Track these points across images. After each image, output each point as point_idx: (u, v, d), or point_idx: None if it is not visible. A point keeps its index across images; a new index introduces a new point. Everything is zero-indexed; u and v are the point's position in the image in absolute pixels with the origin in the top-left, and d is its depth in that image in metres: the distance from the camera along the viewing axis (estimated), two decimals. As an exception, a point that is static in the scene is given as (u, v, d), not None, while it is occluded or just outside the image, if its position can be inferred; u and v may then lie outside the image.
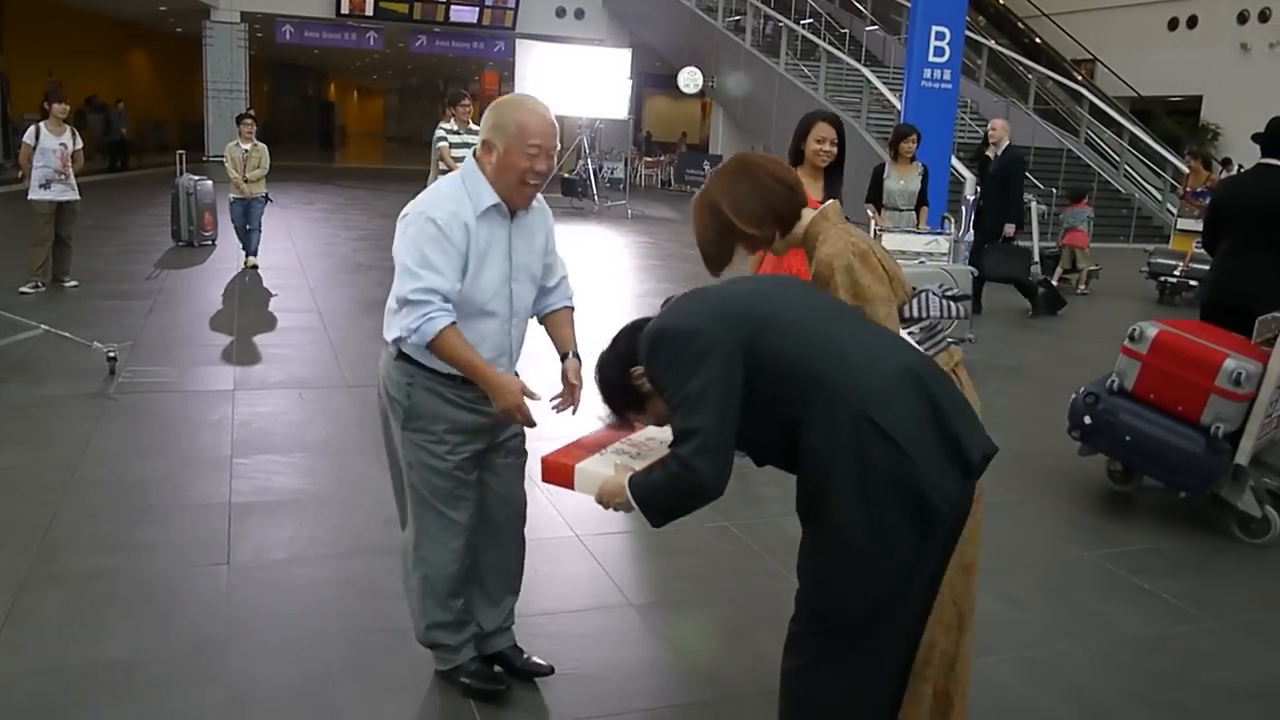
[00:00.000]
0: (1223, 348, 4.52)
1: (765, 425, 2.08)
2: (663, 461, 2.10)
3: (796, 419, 2.03)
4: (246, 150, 10.26)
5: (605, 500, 2.25)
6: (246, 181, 10.20)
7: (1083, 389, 4.85)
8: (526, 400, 2.67)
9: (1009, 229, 9.43)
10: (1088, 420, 4.76)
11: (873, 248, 2.53)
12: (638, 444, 2.37)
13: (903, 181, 7.73)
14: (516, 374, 2.86)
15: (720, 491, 2.05)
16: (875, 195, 7.81)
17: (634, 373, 2.29)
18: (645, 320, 2.27)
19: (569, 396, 2.92)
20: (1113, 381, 4.74)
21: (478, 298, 2.67)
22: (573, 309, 3.03)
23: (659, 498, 2.12)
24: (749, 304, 2.14)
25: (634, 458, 2.32)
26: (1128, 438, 4.64)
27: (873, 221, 7.56)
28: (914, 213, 7.74)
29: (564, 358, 2.94)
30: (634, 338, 2.26)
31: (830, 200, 2.69)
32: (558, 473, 2.36)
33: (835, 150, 4.15)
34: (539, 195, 2.83)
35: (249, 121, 10.57)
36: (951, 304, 2.73)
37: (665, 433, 2.29)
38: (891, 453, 1.98)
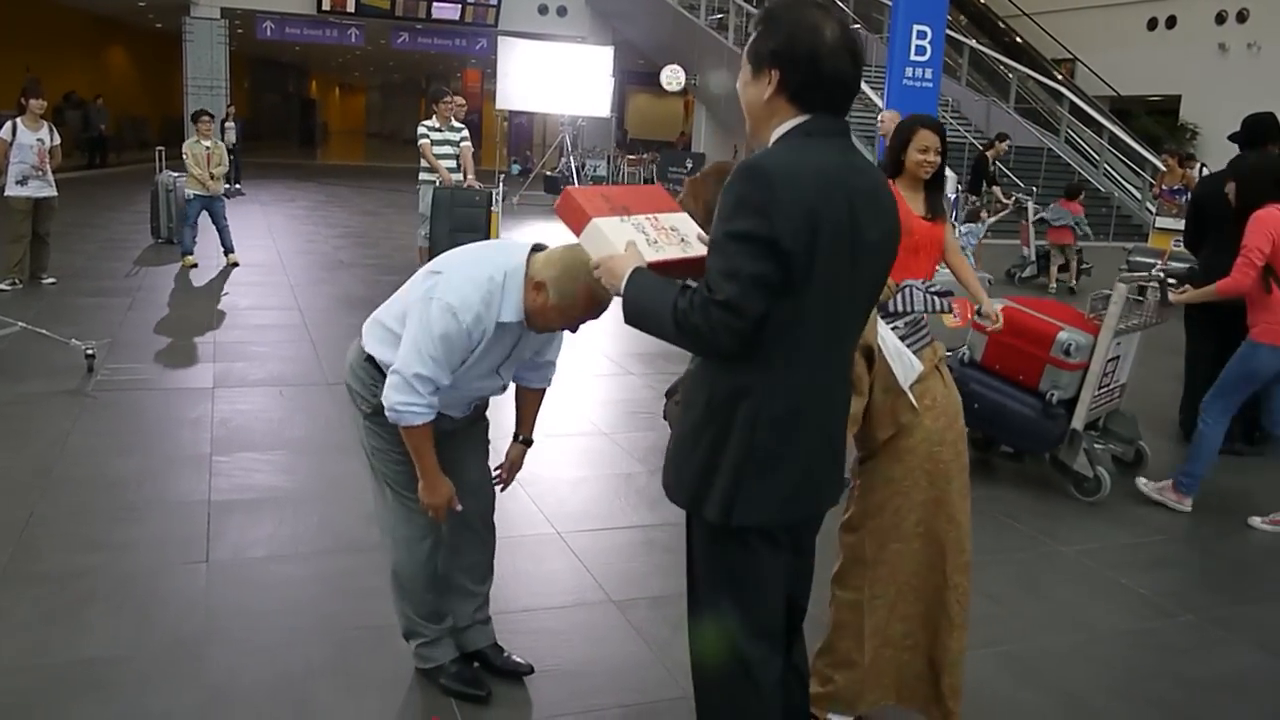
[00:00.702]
0: (1058, 321, 4.94)
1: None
2: (683, 288, 1.98)
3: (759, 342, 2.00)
4: (208, 147, 10.23)
5: (601, 272, 2.11)
6: (211, 179, 10.17)
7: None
8: (448, 506, 2.78)
9: None
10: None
11: None
12: (660, 228, 2.22)
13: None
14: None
15: (732, 354, 1.98)
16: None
17: (773, 73, 2.05)
18: (844, 43, 2.04)
19: (506, 477, 3.03)
20: (964, 354, 5.18)
21: (463, 381, 2.71)
22: (545, 390, 3.05)
23: (651, 319, 2.02)
24: (823, 239, 1.97)
25: (650, 243, 2.16)
26: (975, 405, 4.83)
27: None
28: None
29: (515, 438, 3.03)
30: (816, 51, 2.01)
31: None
32: (573, 214, 2.21)
33: (939, 160, 3.80)
34: None
35: (206, 119, 10.57)
36: (935, 299, 2.75)
37: (689, 227, 2.22)
38: (745, 448, 2.03)
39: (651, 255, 2.10)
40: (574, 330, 2.71)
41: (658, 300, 1.99)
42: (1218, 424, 4.78)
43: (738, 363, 2.01)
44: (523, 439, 3.04)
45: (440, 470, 2.74)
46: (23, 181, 8.82)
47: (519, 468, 3.05)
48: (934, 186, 3.96)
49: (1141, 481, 5.02)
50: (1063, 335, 4.86)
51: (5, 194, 8.90)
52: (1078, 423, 4.88)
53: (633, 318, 2.05)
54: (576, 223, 2.16)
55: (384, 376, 2.71)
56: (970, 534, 2.84)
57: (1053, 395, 4.86)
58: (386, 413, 2.64)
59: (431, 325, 2.56)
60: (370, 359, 2.79)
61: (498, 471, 3.03)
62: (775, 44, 2.03)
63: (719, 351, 1.97)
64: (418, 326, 2.59)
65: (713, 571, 2.20)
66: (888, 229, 2.14)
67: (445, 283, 2.61)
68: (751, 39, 2.10)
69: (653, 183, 25.82)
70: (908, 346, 2.74)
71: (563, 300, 2.55)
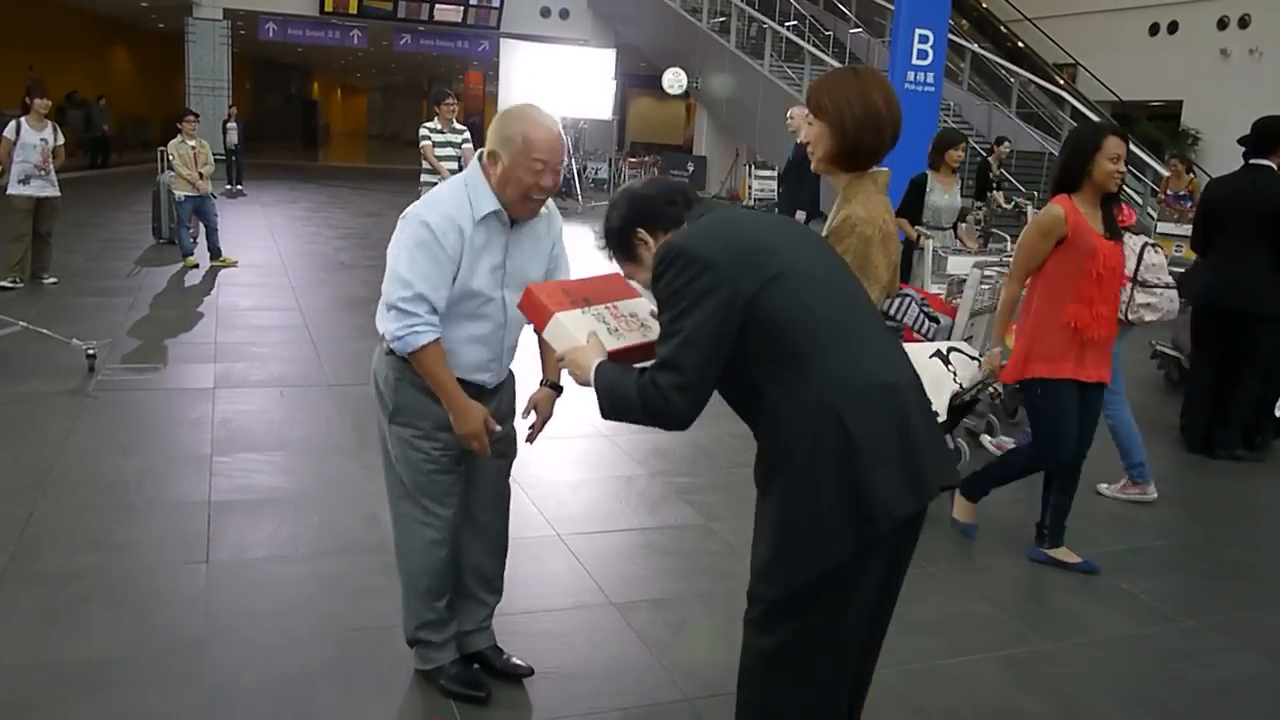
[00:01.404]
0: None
1: (737, 377, 2.07)
2: (641, 370, 2.08)
3: (768, 379, 2.03)
4: (193, 146, 10.25)
5: (567, 365, 2.20)
6: (200, 177, 10.18)
7: None
8: (486, 431, 2.73)
9: (800, 216, 9.40)
10: None
11: (894, 234, 2.52)
12: (620, 317, 2.28)
13: (948, 196, 6.74)
14: (511, 374, 2.94)
15: (686, 426, 2.06)
16: (914, 212, 6.70)
17: (638, 233, 2.26)
18: (671, 184, 2.31)
19: (537, 426, 2.94)
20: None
21: (468, 302, 2.67)
22: None
23: (623, 403, 2.09)
24: (771, 250, 2.08)
25: (610, 331, 2.24)
26: None
27: (928, 243, 6.61)
28: (953, 230, 6.89)
29: (541, 384, 2.93)
30: (653, 201, 2.27)
31: (885, 168, 2.61)
32: (535, 310, 2.27)
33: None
34: (550, 203, 2.82)
35: (192, 118, 10.60)
36: (926, 320, 2.74)
37: (645, 311, 2.28)
38: (847, 452, 1.97)
39: (613, 344, 2.20)
40: (555, 179, 2.65)
41: (624, 387, 2.08)
42: (1117, 410, 4.88)
43: (778, 397, 2.02)
44: (549, 383, 2.91)
45: (463, 393, 2.68)
46: (25, 180, 8.83)
47: (549, 414, 2.92)
48: (1109, 200, 3.72)
49: (1102, 487, 5.06)
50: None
51: (8, 193, 8.90)
52: (938, 404, 5.08)
53: (609, 410, 2.13)
54: (539, 319, 2.26)
55: (406, 364, 2.69)
56: None
57: None
58: (392, 345, 2.61)
59: (405, 242, 2.59)
60: (390, 351, 2.74)
61: (528, 424, 2.92)
62: (621, 221, 2.29)
63: (677, 417, 2.03)
64: (395, 251, 2.61)
65: (802, 652, 2.10)
66: (804, 230, 2.32)
67: (412, 208, 2.66)
68: (609, 244, 2.34)
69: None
70: None
71: (513, 150, 2.58)
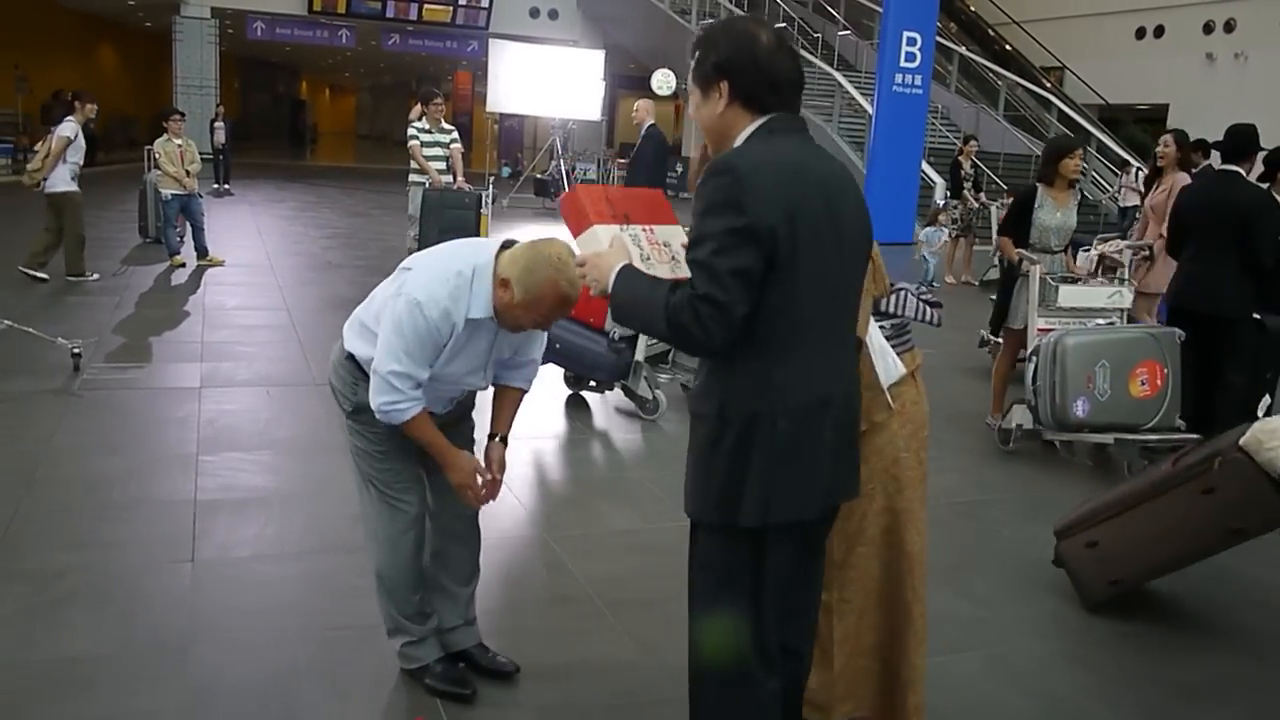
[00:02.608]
0: None
1: None
2: (672, 288, 2.01)
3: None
4: (180, 145, 10.24)
5: (587, 269, 2.17)
6: (187, 176, 10.17)
7: None
8: (479, 478, 2.80)
9: None
10: None
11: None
12: (655, 243, 2.28)
13: (1060, 214, 5.84)
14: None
15: (724, 350, 2.01)
16: (1018, 231, 5.86)
17: (722, 85, 2.12)
18: (786, 69, 2.12)
19: (490, 488, 2.89)
20: None
21: (444, 377, 2.71)
22: (525, 392, 2.99)
23: (643, 307, 2.05)
24: (808, 223, 2.03)
25: (643, 259, 2.21)
26: (558, 345, 5.66)
27: (1034, 269, 5.66)
28: (1064, 254, 6.05)
29: (491, 438, 2.94)
30: (762, 73, 2.10)
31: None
32: (575, 214, 2.28)
33: None
34: None
35: (177, 117, 10.64)
36: (927, 308, 2.75)
37: (679, 242, 2.24)
38: (763, 445, 2.06)
39: (641, 269, 2.14)
40: (545, 328, 2.72)
41: (648, 295, 2.04)
42: None
43: (746, 362, 2.04)
44: (500, 438, 2.94)
45: (454, 447, 2.75)
46: (75, 179, 9.26)
47: (504, 467, 2.92)
48: None
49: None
50: None
51: (61, 190, 9.12)
52: (639, 355, 5.69)
53: (622, 311, 2.11)
54: (577, 224, 2.22)
55: (364, 374, 2.73)
56: (927, 546, 2.83)
57: (614, 334, 5.63)
58: (377, 416, 2.66)
59: (401, 322, 2.58)
60: (350, 356, 2.80)
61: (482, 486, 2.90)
62: (717, 58, 2.13)
63: (708, 347, 2.00)
64: (389, 324, 2.61)
65: (731, 580, 2.19)
66: (863, 217, 2.22)
67: (413, 279, 2.63)
68: (693, 63, 2.19)
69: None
70: (891, 348, 2.75)
71: (528, 296, 2.56)
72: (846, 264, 2.16)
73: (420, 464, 2.90)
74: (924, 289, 2.81)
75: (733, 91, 2.11)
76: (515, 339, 2.82)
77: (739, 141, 2.13)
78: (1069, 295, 5.73)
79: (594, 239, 2.20)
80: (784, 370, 2.05)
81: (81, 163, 9.42)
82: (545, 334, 2.95)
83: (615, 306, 2.12)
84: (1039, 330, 5.59)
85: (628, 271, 2.09)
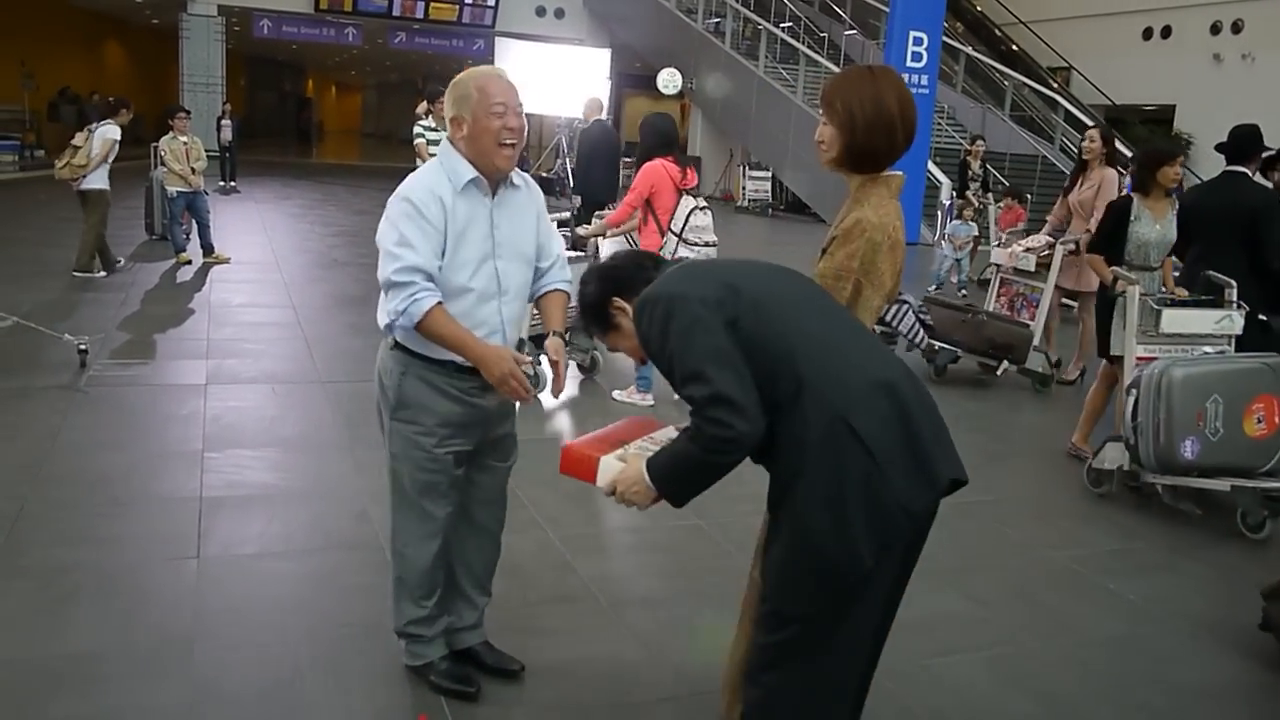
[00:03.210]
0: None
1: None
2: (684, 430, 2.07)
3: (777, 405, 2.02)
4: (185, 142, 10.26)
5: (621, 489, 2.19)
6: (193, 173, 10.20)
7: None
8: (520, 369, 2.64)
9: (577, 200, 9.34)
10: None
11: (902, 243, 2.49)
12: (658, 441, 2.31)
13: (1159, 227, 5.34)
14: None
15: (758, 440, 2.00)
16: (1113, 248, 5.36)
17: (614, 303, 2.31)
18: (641, 257, 2.37)
19: (556, 380, 2.93)
20: None
21: (457, 275, 2.66)
22: (566, 292, 2.97)
23: (687, 469, 2.07)
24: (734, 282, 2.10)
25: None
26: None
27: (1133, 290, 5.10)
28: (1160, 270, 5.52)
29: (548, 335, 2.91)
30: (624, 270, 2.33)
31: (900, 172, 2.57)
32: (580, 464, 2.30)
33: None
34: (526, 177, 2.85)
35: (183, 115, 10.68)
36: (919, 328, 2.73)
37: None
38: (862, 458, 1.97)
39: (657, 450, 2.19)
40: (517, 132, 2.68)
41: (678, 456, 2.09)
42: None
43: (786, 423, 2.01)
44: (554, 333, 2.89)
45: (482, 342, 2.65)
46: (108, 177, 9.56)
47: (561, 353, 2.87)
48: None
49: (615, 393, 6.11)
50: None
51: (96, 187, 9.38)
52: (524, 334, 5.65)
53: (676, 490, 2.13)
54: (587, 470, 2.27)
55: (412, 358, 2.72)
56: None
57: None
58: (397, 322, 2.59)
59: (392, 220, 2.62)
60: (397, 344, 2.75)
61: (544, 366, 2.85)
62: (597, 295, 2.36)
63: (744, 438, 1.98)
64: (382, 234, 2.64)
65: (845, 659, 2.14)
66: (773, 265, 2.32)
67: (396, 190, 2.69)
68: (587, 319, 2.44)
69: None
70: None
71: (472, 107, 2.64)
72: (801, 286, 2.22)
73: (459, 471, 2.86)
74: (923, 308, 2.78)
75: (627, 298, 2.27)
76: (526, 229, 2.81)
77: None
78: (1173, 320, 5.09)
79: (608, 469, 2.23)
80: (822, 380, 2.01)
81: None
82: (559, 237, 2.98)
83: (669, 494, 2.13)
84: (1138, 359, 5.05)
85: (652, 461, 2.13)
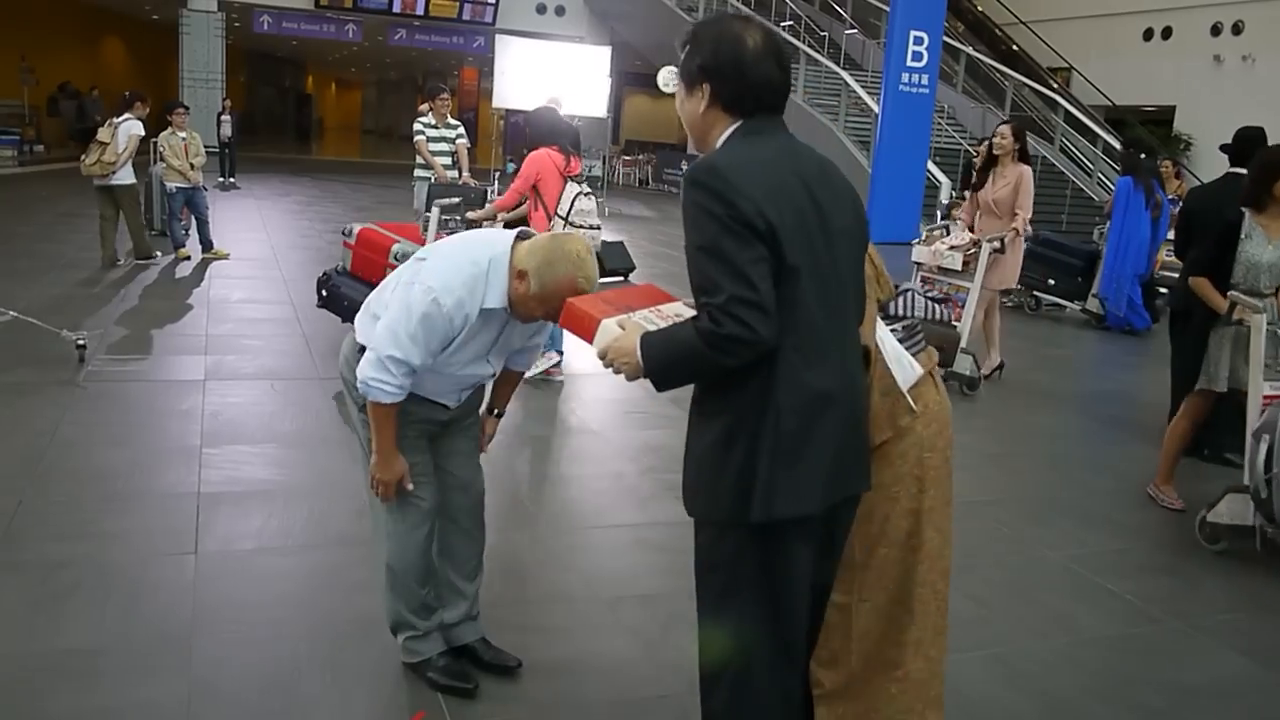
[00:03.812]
0: (395, 235, 6.39)
1: None
2: (695, 318, 2.01)
3: None
4: (184, 138, 10.26)
5: (612, 356, 2.13)
6: (192, 168, 10.19)
7: (323, 271, 6.74)
8: (399, 484, 2.79)
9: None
10: (324, 292, 6.58)
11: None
12: (665, 316, 2.25)
13: (1272, 247, 4.62)
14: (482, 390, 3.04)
15: (772, 344, 1.97)
16: (1218, 266, 4.80)
17: (705, 87, 2.14)
18: (768, 75, 2.11)
19: (484, 446, 3.10)
20: (339, 265, 6.62)
21: (448, 363, 2.72)
22: (524, 374, 3.14)
23: (682, 359, 2.02)
24: (795, 221, 2.03)
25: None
26: (345, 303, 6.32)
27: (1258, 319, 4.48)
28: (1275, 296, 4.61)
29: (489, 411, 3.09)
30: (744, 76, 2.10)
31: None
32: (580, 321, 2.25)
33: None
34: None
35: (182, 110, 10.70)
36: (936, 306, 2.74)
37: (690, 312, 2.21)
38: (768, 439, 2.05)
39: (660, 326, 2.13)
40: (557, 320, 2.69)
41: (678, 342, 2.03)
42: None
43: (753, 368, 2.03)
44: (496, 413, 3.09)
45: (396, 450, 2.75)
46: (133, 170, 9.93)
47: (492, 436, 3.13)
48: None
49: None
50: (395, 246, 6.20)
51: (126, 182, 9.83)
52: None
53: (663, 375, 2.08)
54: (585, 329, 2.21)
55: None
56: (951, 540, 2.83)
57: None
58: (358, 385, 2.66)
59: (412, 308, 2.58)
60: (363, 349, 2.77)
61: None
62: (702, 59, 2.14)
63: (759, 346, 1.96)
64: (398, 309, 2.62)
65: (741, 580, 2.19)
66: (850, 206, 2.21)
67: (429, 268, 2.64)
68: (681, 59, 2.18)
69: (648, 184, 25.89)
70: (905, 349, 2.74)
71: (544, 289, 2.56)
72: (837, 257, 2.13)
73: (428, 453, 2.91)
74: (929, 288, 2.80)
75: (715, 95, 2.13)
76: (525, 329, 2.84)
77: (719, 143, 2.15)
78: None
79: (606, 333, 2.17)
80: (786, 366, 2.04)
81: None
82: (549, 330, 2.98)
83: (655, 373, 2.07)
84: (1265, 398, 4.46)
85: (649, 337, 2.07)
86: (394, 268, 5.96)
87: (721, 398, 2.09)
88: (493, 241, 2.69)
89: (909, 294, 2.69)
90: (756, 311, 1.93)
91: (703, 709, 2.34)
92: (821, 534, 2.24)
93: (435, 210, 6.38)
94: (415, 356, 2.60)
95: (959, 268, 6.98)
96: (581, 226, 6.09)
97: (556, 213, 6.18)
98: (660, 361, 2.05)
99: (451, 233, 6.27)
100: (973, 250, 6.93)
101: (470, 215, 6.73)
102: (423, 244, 6.09)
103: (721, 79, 2.11)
